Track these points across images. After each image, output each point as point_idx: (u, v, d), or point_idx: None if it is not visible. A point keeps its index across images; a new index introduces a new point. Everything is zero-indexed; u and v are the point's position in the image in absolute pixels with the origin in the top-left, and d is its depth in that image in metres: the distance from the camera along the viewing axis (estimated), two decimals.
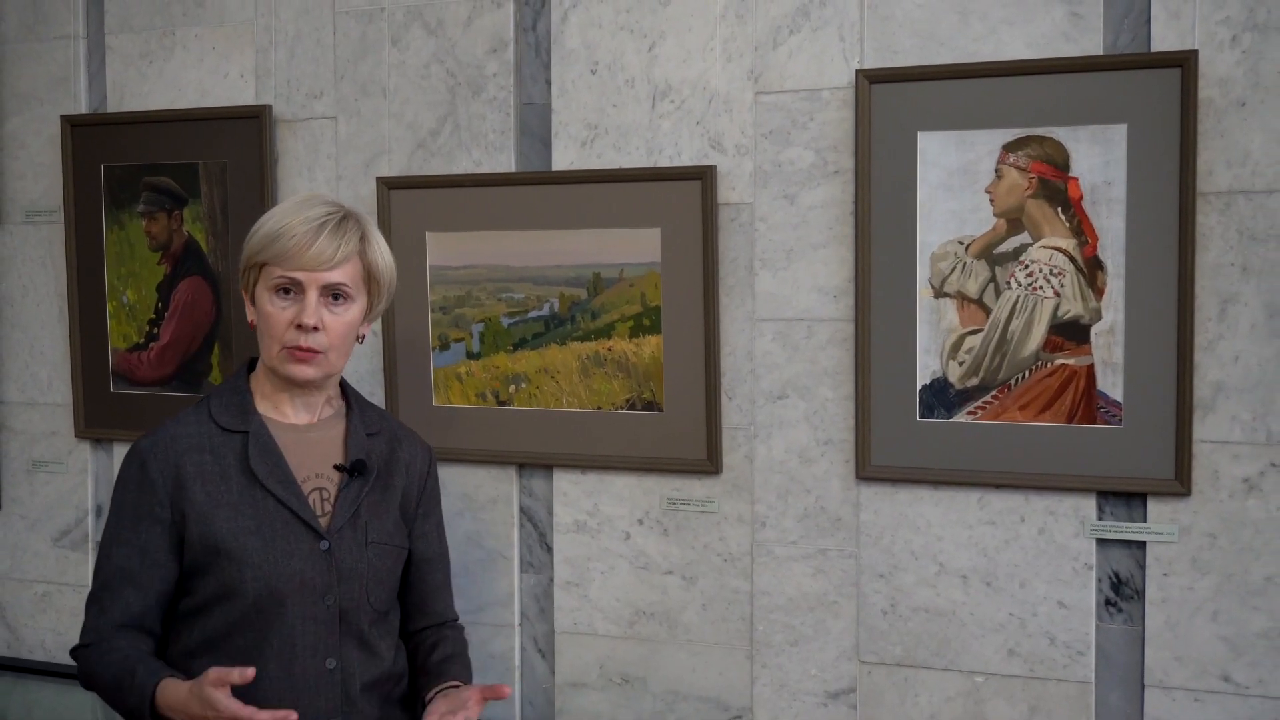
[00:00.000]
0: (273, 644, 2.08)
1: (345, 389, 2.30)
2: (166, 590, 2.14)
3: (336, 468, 2.19)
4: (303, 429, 2.20)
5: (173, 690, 2.01)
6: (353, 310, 2.18)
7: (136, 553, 2.11)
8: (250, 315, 2.19)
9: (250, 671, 1.92)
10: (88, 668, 2.15)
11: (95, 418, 3.16)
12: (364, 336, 2.26)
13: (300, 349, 2.12)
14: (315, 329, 2.12)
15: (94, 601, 2.16)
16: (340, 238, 2.14)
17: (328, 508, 2.16)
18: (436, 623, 2.37)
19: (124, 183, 3.07)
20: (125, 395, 3.12)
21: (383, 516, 2.22)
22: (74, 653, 2.19)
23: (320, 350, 2.14)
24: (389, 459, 2.27)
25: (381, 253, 2.22)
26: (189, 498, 2.10)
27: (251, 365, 2.26)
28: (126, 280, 3.10)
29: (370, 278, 2.21)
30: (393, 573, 2.24)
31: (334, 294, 2.15)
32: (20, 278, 3.25)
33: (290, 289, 2.12)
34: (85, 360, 3.16)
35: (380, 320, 2.85)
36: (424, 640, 2.36)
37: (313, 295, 2.12)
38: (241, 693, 2.06)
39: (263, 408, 2.19)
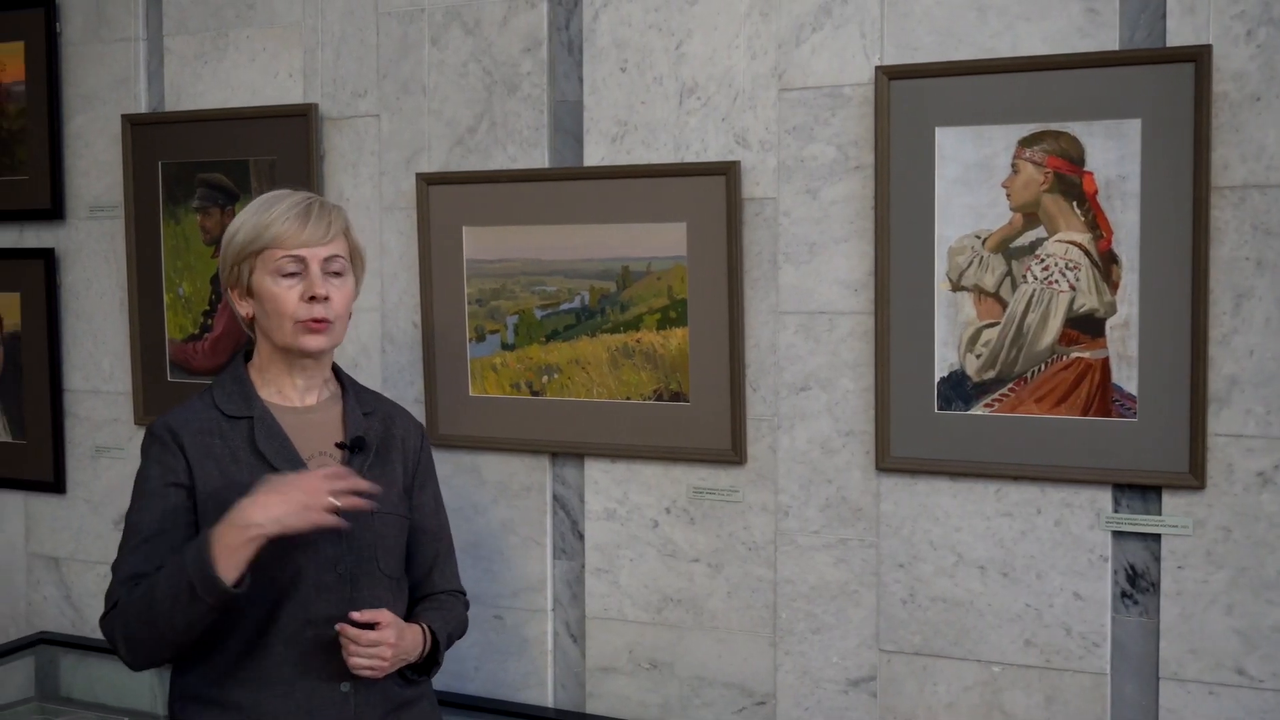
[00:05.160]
0: (287, 610, 2.17)
1: (339, 373, 2.39)
2: None
3: (338, 445, 2.28)
4: (303, 411, 2.29)
5: (222, 524, 2.04)
6: (349, 283, 2.30)
7: (160, 515, 2.18)
8: (244, 310, 2.28)
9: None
10: (122, 614, 2.13)
11: (153, 406, 3.28)
12: (350, 314, 2.36)
13: (314, 320, 2.23)
14: (326, 298, 2.23)
15: (118, 569, 2.18)
16: (328, 215, 2.27)
17: None
18: (438, 592, 2.44)
19: (180, 179, 3.19)
20: (181, 384, 3.24)
21: (385, 488, 2.30)
22: (104, 618, 2.18)
23: (330, 320, 2.25)
24: (385, 436, 2.36)
25: (357, 235, 2.36)
26: (205, 474, 2.19)
27: (247, 356, 2.35)
28: (182, 273, 3.22)
29: (354, 255, 2.33)
30: (398, 540, 2.33)
31: (333, 268, 2.26)
32: (84, 271, 3.38)
33: (294, 268, 2.22)
34: (144, 350, 3.28)
35: (419, 312, 2.94)
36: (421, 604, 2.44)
37: (316, 269, 2.23)
38: (249, 664, 2.17)
39: (264, 394, 2.28)
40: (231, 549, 2.03)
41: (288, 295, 2.21)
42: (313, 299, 2.21)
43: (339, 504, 2.08)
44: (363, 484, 2.13)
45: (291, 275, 2.22)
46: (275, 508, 2.04)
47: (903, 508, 2.57)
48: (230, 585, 2.02)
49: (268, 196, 2.29)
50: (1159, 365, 2.35)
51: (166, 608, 2.06)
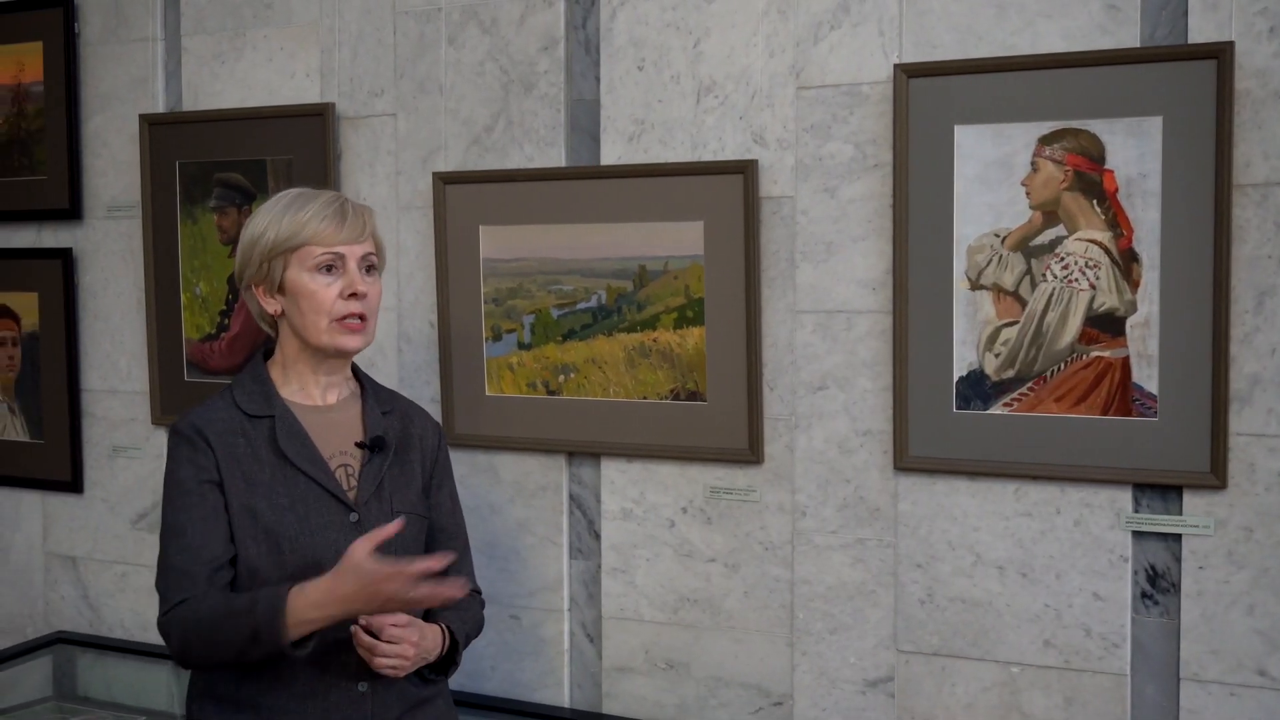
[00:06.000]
0: None
1: (357, 372, 2.39)
2: (232, 548, 2.19)
3: (358, 445, 2.28)
4: (324, 410, 2.30)
5: (310, 589, 2.06)
6: (379, 280, 2.32)
7: (201, 515, 2.17)
8: (271, 307, 2.27)
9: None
10: (183, 622, 2.13)
11: (170, 405, 3.28)
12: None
13: (352, 317, 2.24)
14: (365, 295, 2.25)
15: (169, 569, 2.17)
16: (362, 214, 2.28)
17: (354, 482, 2.26)
18: None
19: (197, 179, 3.19)
20: (198, 384, 3.24)
21: (405, 488, 2.31)
22: (164, 618, 2.17)
23: (367, 317, 2.26)
24: (403, 435, 2.37)
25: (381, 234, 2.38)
26: (231, 478, 2.19)
27: (266, 355, 2.35)
28: (199, 273, 3.22)
29: (380, 253, 2.34)
30: (418, 539, 2.33)
31: (368, 265, 2.28)
32: (102, 270, 3.39)
33: (333, 265, 2.23)
34: (161, 350, 3.29)
35: (436, 312, 2.94)
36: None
37: (354, 266, 2.24)
38: (267, 664, 2.14)
39: (285, 393, 2.28)
40: (305, 623, 2.06)
41: (326, 292, 2.22)
42: (352, 295, 2.23)
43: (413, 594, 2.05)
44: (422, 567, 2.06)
45: (329, 272, 2.23)
46: (358, 607, 2.05)
47: (921, 507, 2.56)
48: (294, 647, 2.07)
49: (291, 195, 2.29)
50: (1180, 364, 2.34)
51: (227, 640, 2.10)
